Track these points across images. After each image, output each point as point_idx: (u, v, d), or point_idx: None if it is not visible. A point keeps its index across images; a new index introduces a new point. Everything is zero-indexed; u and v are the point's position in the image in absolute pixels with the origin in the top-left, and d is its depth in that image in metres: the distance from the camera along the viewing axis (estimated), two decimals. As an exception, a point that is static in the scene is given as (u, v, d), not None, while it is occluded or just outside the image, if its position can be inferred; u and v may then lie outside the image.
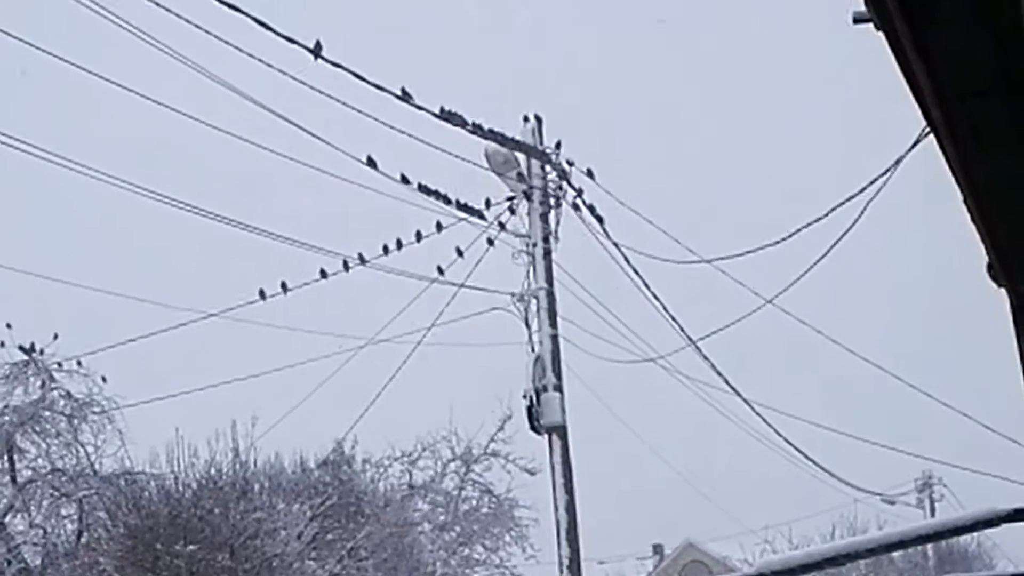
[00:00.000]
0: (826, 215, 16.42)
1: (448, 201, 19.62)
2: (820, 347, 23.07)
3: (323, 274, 19.97)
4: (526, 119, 20.16)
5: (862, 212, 15.70)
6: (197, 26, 13.28)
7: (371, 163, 18.22)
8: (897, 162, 14.34)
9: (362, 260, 19.94)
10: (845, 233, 16.56)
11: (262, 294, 20.13)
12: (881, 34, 4.85)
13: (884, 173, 14.83)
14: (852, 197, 15.65)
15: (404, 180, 18.87)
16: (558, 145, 20.27)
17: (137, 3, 13.08)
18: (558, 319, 19.96)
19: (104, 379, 23.54)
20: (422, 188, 19.18)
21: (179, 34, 13.77)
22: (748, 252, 19.01)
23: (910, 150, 13.40)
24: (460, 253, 20.04)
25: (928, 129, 5.57)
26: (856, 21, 5.53)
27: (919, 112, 5.32)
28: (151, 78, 15.65)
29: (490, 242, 20.02)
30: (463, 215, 19.94)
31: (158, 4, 12.99)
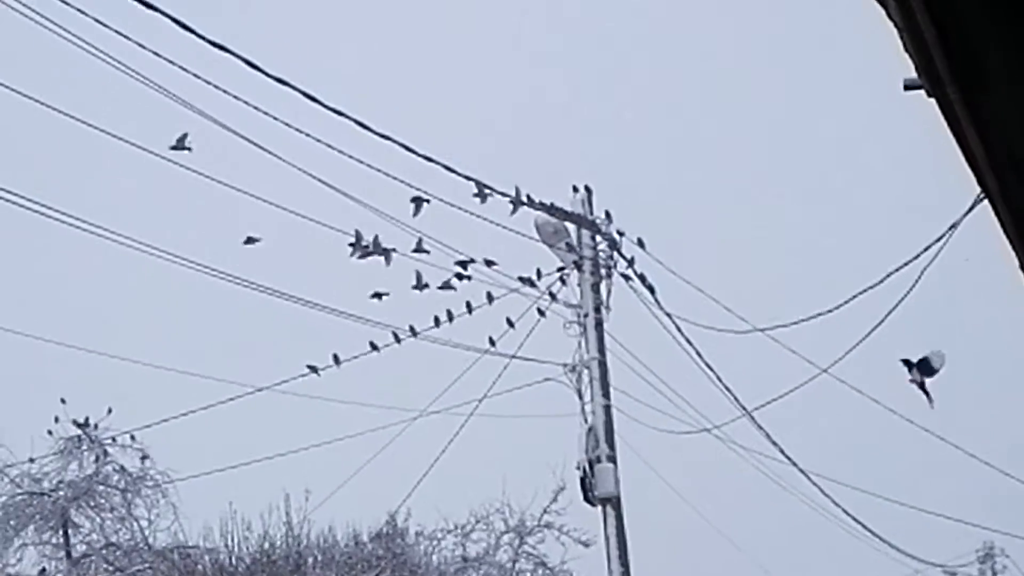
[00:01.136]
0: (880, 282, 16.33)
1: (488, 265, 19.57)
2: (877, 415, 22.86)
3: (373, 347, 19.99)
4: (575, 189, 20.17)
5: (918, 279, 15.61)
6: (236, 97, 13.32)
7: (419, 248, 18.36)
8: (952, 228, 14.24)
9: (413, 332, 19.95)
10: (901, 300, 16.47)
11: (314, 369, 20.17)
12: (933, 101, 4.80)
13: (939, 239, 14.73)
14: (907, 263, 15.55)
15: (463, 265, 18.97)
16: (608, 215, 20.25)
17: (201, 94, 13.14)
18: (611, 389, 19.87)
19: (145, 457, 23.60)
20: (487, 262, 19.21)
21: (227, 107, 13.86)
22: (801, 321, 18.90)
23: (964, 216, 13.31)
24: (511, 324, 20.02)
25: (983, 194, 5.51)
26: (907, 88, 5.48)
27: (973, 178, 5.26)
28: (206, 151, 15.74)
29: (541, 312, 19.99)
30: (515, 286, 19.94)
31: (222, 90, 13.06)
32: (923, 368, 18.31)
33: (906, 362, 18.39)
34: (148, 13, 10.94)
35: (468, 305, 19.79)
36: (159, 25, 11.23)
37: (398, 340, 19.92)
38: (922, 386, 18.49)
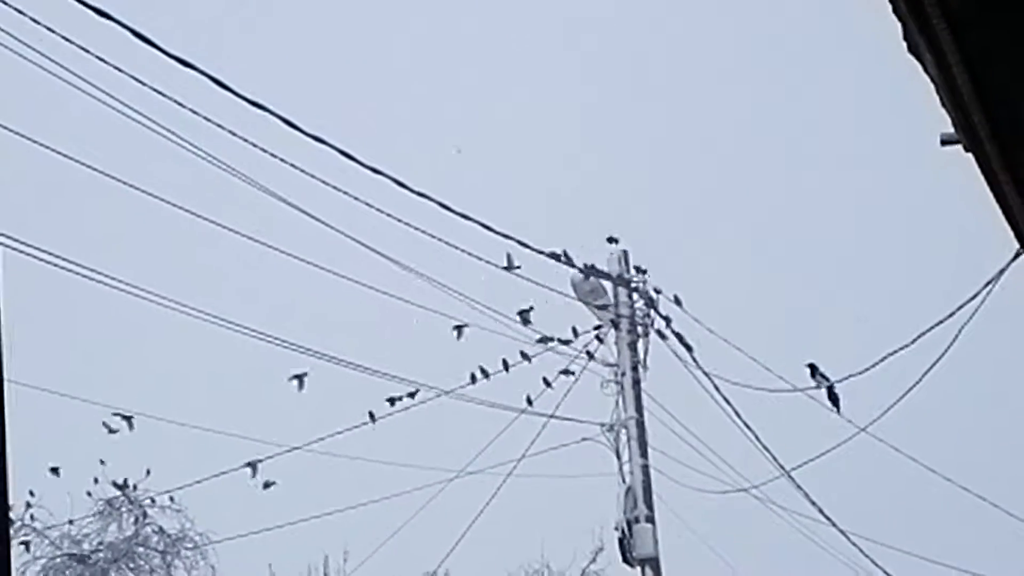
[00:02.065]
0: (914, 341, 16.27)
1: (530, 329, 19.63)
2: (917, 474, 22.72)
3: (411, 395, 19.96)
4: (611, 240, 20.15)
5: (956, 336, 15.55)
6: (272, 154, 13.43)
7: (459, 330, 18.60)
8: (990, 284, 14.20)
9: (449, 391, 19.98)
10: (940, 358, 16.41)
11: (372, 416, 20.14)
12: (970, 155, 4.82)
13: (976, 296, 14.69)
14: (942, 321, 15.51)
15: (527, 322, 19.09)
16: (643, 271, 20.26)
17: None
18: (648, 449, 19.82)
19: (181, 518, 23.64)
20: (523, 319, 19.26)
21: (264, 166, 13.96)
22: (839, 380, 18.82)
23: (1002, 272, 13.28)
24: (548, 384, 20.02)
25: (1020, 251, 5.51)
26: (944, 143, 5.50)
27: (1011, 233, 5.26)
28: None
29: (567, 372, 19.94)
30: (551, 345, 19.95)
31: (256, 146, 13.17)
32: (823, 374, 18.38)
33: (811, 367, 18.44)
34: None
35: (504, 363, 19.82)
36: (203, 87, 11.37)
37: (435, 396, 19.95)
38: (830, 391, 18.47)
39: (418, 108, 34.83)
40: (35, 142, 13.40)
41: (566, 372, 19.97)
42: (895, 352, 16.78)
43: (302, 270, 16.72)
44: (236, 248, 16.16)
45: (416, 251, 17.14)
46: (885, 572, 22.67)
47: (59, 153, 13.68)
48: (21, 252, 13.30)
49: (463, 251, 16.85)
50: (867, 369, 17.74)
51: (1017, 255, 10.69)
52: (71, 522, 23.54)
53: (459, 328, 18.76)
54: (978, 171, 4.88)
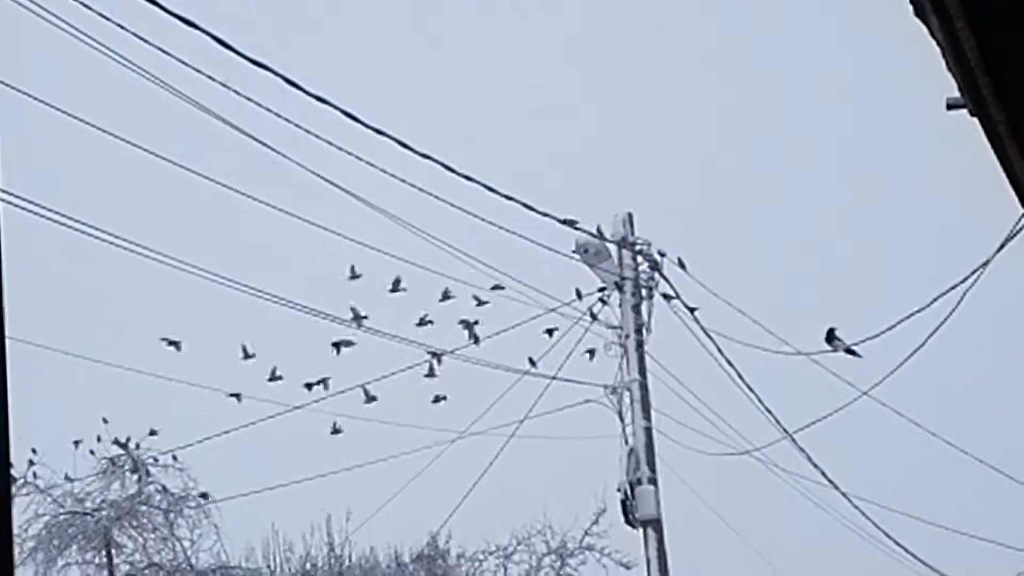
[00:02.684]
0: (926, 307, 16.21)
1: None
2: (918, 438, 22.75)
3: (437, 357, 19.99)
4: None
5: (960, 301, 15.51)
6: (277, 114, 13.42)
7: (476, 339, 18.73)
8: (997, 251, 14.15)
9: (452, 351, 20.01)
10: (942, 323, 16.36)
11: (367, 393, 20.26)
12: (976, 120, 4.80)
13: (983, 265, 14.63)
14: (953, 288, 15.45)
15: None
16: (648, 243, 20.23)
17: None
18: (652, 411, 19.85)
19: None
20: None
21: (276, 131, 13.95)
22: (844, 346, 18.77)
23: (1009, 239, 13.23)
24: (550, 332, 19.97)
25: (1026, 215, 5.50)
26: (950, 107, 5.48)
27: (1016, 199, 5.25)
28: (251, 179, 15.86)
29: (550, 332, 20.00)
30: (555, 305, 19.98)
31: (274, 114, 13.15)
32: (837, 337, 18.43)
33: (829, 332, 18.44)
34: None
35: (509, 325, 19.85)
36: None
37: (439, 359, 19.98)
38: (848, 351, 18.49)
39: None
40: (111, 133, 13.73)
41: (550, 332, 20.02)
42: (912, 315, 16.72)
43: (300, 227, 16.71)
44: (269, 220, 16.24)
45: (425, 214, 17.15)
46: (886, 534, 22.74)
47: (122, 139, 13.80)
48: (52, 220, 13.49)
49: (471, 214, 16.85)
50: (884, 331, 17.69)
51: (1023, 220, 10.68)
52: (71, 480, 23.57)
53: (481, 302, 18.93)
54: (983, 135, 4.87)
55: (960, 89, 4.70)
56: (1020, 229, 12.22)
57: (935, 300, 15.92)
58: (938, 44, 4.44)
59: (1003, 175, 5.13)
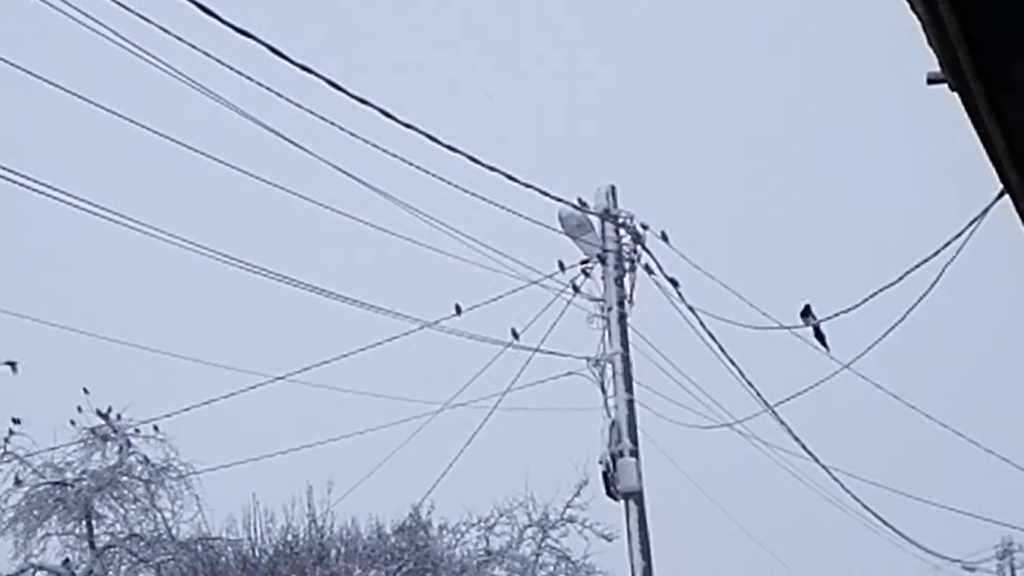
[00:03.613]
0: (901, 279, 16.27)
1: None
2: (897, 411, 22.86)
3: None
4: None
5: (939, 276, 15.56)
6: (260, 84, 13.41)
7: (458, 310, 18.74)
8: (972, 224, 14.21)
9: (430, 323, 20.01)
10: (922, 297, 16.42)
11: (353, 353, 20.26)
12: (956, 95, 4.83)
13: (959, 235, 14.69)
14: (927, 260, 15.51)
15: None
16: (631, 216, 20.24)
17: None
18: (634, 384, 19.89)
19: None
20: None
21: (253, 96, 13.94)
22: (828, 318, 18.84)
23: (985, 212, 13.29)
24: (540, 279, 19.97)
25: (1004, 190, 5.54)
26: (931, 81, 5.51)
27: (995, 173, 5.28)
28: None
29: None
30: (537, 277, 20.00)
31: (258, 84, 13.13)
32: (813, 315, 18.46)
33: (805, 308, 18.48)
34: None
35: (491, 297, 19.87)
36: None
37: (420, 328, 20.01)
38: (816, 330, 18.54)
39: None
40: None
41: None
42: (883, 289, 16.77)
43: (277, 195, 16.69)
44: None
45: (407, 184, 17.16)
46: (865, 506, 22.86)
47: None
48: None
49: (452, 184, 16.84)
50: (856, 306, 17.74)
51: (1001, 194, 10.71)
52: (53, 449, 23.57)
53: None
54: (963, 110, 4.90)
55: (941, 64, 4.72)
56: (994, 204, 12.27)
57: (908, 273, 15.99)
58: (920, 19, 4.47)
59: (982, 149, 5.16)
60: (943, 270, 15.39)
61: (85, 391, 23.31)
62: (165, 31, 12.27)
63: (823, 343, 18.64)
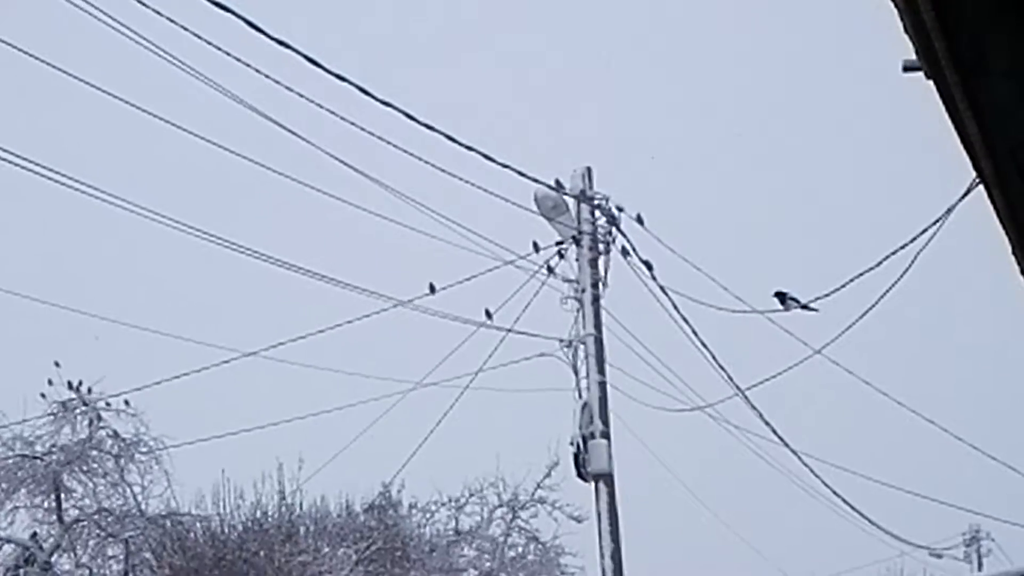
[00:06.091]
0: (876, 266, 16.31)
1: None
2: (868, 397, 22.92)
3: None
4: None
5: (912, 262, 15.62)
6: (246, 63, 13.36)
7: (432, 289, 18.70)
8: (947, 212, 14.26)
9: (405, 301, 19.99)
10: (895, 283, 16.47)
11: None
12: (931, 83, 4.82)
13: (934, 223, 14.75)
14: (903, 247, 15.56)
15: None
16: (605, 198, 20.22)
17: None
18: (606, 366, 19.89)
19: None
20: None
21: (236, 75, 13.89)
22: (799, 306, 18.85)
23: (960, 200, 13.32)
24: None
25: (978, 180, 5.53)
26: (906, 69, 5.49)
27: (969, 162, 5.27)
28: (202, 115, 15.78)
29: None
30: (511, 258, 19.97)
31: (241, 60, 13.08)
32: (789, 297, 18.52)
33: (779, 295, 18.54)
34: None
35: (466, 277, 19.84)
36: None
37: (393, 306, 19.97)
38: (804, 306, 18.58)
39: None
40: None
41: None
42: (861, 275, 16.81)
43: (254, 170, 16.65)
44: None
45: (383, 163, 17.13)
46: (834, 492, 22.91)
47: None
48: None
49: (428, 163, 16.80)
50: (835, 291, 17.77)
51: (974, 184, 10.73)
52: (23, 422, 23.49)
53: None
54: (938, 99, 4.88)
55: (916, 52, 4.71)
56: (969, 192, 12.30)
57: (884, 260, 16.04)
58: (895, 6, 4.45)
59: (956, 138, 5.15)
60: (914, 258, 15.46)
61: (56, 364, 23.24)
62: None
63: (809, 309, 18.64)
